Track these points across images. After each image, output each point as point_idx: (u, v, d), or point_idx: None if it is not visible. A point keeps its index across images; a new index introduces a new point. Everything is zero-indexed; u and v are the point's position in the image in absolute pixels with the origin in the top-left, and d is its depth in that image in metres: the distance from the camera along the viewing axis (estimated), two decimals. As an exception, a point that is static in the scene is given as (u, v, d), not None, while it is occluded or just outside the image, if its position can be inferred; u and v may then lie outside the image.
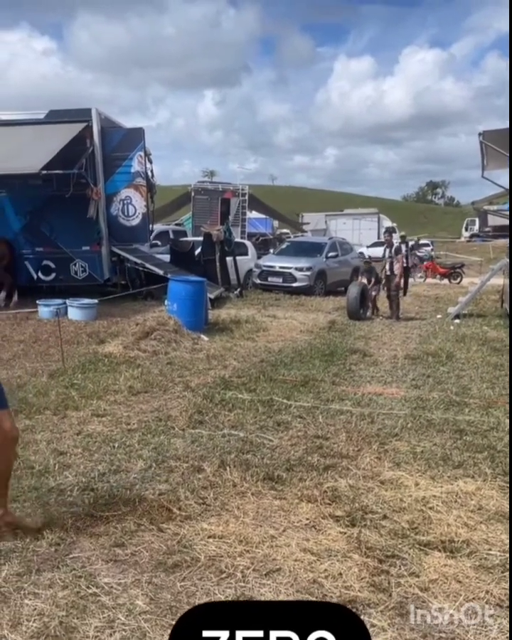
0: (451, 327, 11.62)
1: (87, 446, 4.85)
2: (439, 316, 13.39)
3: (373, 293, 13.42)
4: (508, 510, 3.76)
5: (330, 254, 17.82)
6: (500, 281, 15.70)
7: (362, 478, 4.30)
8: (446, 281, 23.88)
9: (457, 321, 12.44)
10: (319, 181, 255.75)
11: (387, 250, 13.40)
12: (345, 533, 3.52)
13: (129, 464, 4.49)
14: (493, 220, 48.39)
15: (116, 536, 3.45)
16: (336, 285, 17.75)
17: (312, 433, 5.28)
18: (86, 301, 11.31)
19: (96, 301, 11.32)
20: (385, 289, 13.41)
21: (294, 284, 16.73)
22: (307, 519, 3.71)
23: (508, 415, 5.63)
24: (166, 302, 11.27)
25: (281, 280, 16.84)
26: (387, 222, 47.85)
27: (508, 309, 13.11)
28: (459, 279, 23.93)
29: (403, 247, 14.76)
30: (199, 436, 5.16)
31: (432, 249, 37.41)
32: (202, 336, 9.63)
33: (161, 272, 13.47)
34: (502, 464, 4.56)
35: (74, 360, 7.87)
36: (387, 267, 13.17)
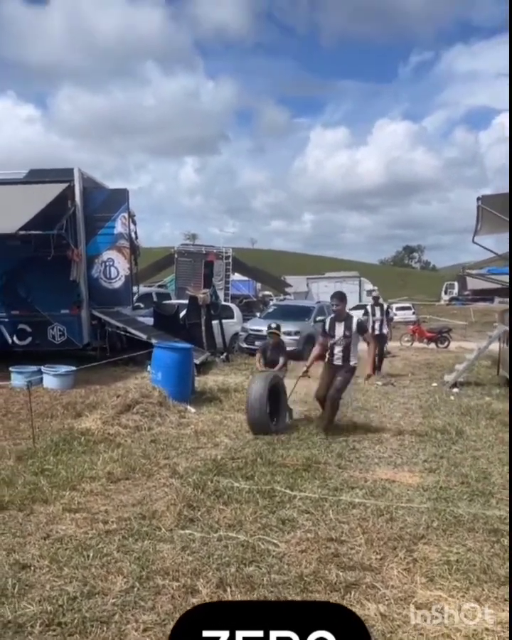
0: (452, 397, 10.96)
1: (55, 557, 4.02)
2: (434, 384, 12.73)
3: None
4: None
5: (318, 318, 17.24)
6: (493, 346, 15.25)
7: (393, 602, 3.51)
8: (433, 345, 23.40)
9: (456, 390, 11.79)
10: (297, 245, 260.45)
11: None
12: None
13: (106, 584, 3.66)
14: (472, 284, 48.71)
15: None
16: (324, 350, 17.14)
17: (324, 534, 4.49)
18: (63, 369, 10.52)
19: (73, 368, 10.53)
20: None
21: (282, 349, 16.06)
22: (334, 667, 2.91)
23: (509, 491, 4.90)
24: (148, 368, 10.53)
25: (268, 344, 16.18)
26: (369, 285, 47.98)
27: (506, 376, 12.56)
28: (446, 344, 23.44)
29: (378, 311, 14.09)
30: (190, 539, 4.35)
31: (414, 313, 37.25)
32: (189, 407, 8.85)
33: (144, 337, 12.77)
34: (557, 579, 3.80)
35: (46, 439, 7.04)
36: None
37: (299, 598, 3.49)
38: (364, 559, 4.07)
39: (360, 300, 43.83)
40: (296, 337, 16.15)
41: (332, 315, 7.93)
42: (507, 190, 12.03)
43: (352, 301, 42.31)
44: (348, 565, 3.97)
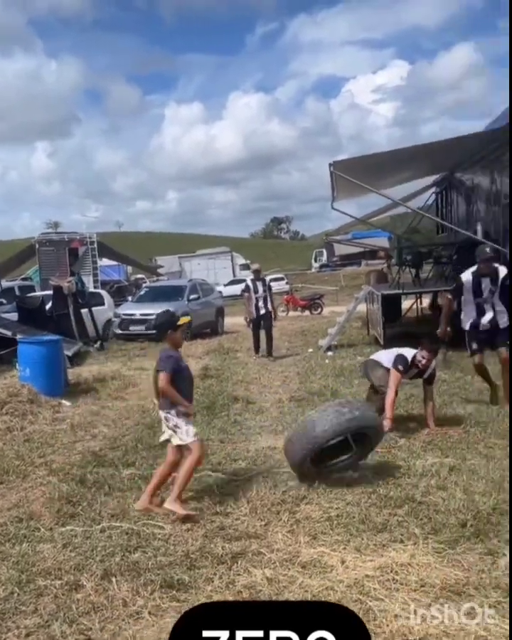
0: (327, 361, 11.31)
1: None
2: (310, 350, 13.10)
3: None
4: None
5: (191, 296, 17.18)
6: (362, 307, 15.87)
7: (279, 565, 3.58)
8: (307, 312, 24.09)
9: (330, 353, 12.19)
10: (165, 225, 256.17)
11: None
12: (276, 652, 2.77)
13: (-18, 595, 3.46)
14: (339, 250, 50.41)
15: None
16: (201, 327, 17.15)
17: (209, 509, 4.50)
18: None
19: None
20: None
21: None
22: (225, 638, 2.92)
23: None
24: (17, 366, 10.03)
25: (143, 328, 15.89)
26: (241, 260, 48.44)
27: (375, 335, 13.14)
28: (319, 310, 24.23)
29: (260, 286, 12.37)
30: (72, 535, 4.20)
31: (287, 282, 38.10)
32: (63, 401, 8.53)
33: (8, 334, 12.12)
34: (428, 519, 4.03)
35: None
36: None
37: (186, 576, 3.48)
38: (249, 527, 4.12)
39: (234, 275, 44.21)
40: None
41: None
42: (358, 154, 12.42)
43: (226, 276, 42.75)
44: (234, 536, 4.00)
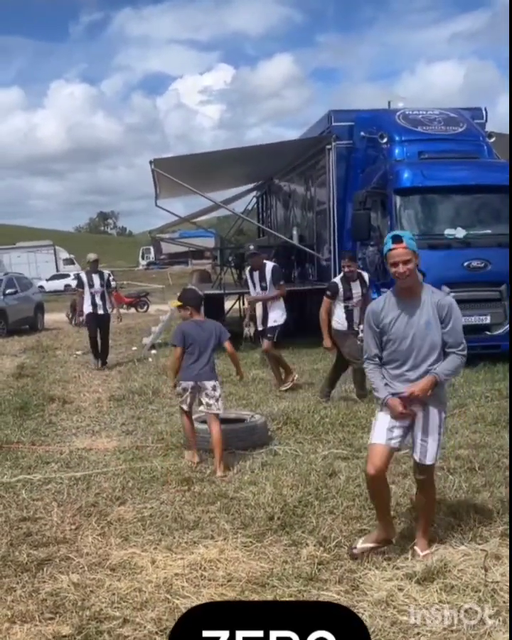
0: (150, 359, 11.26)
1: None
2: (134, 348, 12.98)
3: None
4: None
5: (8, 291, 16.27)
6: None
7: (87, 569, 3.49)
8: (133, 310, 23.81)
9: (154, 351, 12.15)
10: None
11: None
12: (78, 661, 2.71)
13: None
14: (167, 248, 50.27)
15: None
16: (19, 323, 16.35)
17: (15, 516, 4.28)
18: None
19: None
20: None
21: (-30, 328, 14.84)
22: (24, 650, 2.80)
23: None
24: None
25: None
26: (65, 254, 46.75)
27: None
28: (145, 308, 24.08)
29: (97, 279, 10.57)
30: None
31: (113, 279, 37.35)
32: None
33: None
34: (238, 514, 4.15)
35: None
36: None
37: (-15, 589, 3.28)
38: (58, 532, 3.98)
39: (57, 269, 42.48)
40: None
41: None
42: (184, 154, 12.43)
43: (48, 270, 40.96)
44: (42, 542, 3.85)
